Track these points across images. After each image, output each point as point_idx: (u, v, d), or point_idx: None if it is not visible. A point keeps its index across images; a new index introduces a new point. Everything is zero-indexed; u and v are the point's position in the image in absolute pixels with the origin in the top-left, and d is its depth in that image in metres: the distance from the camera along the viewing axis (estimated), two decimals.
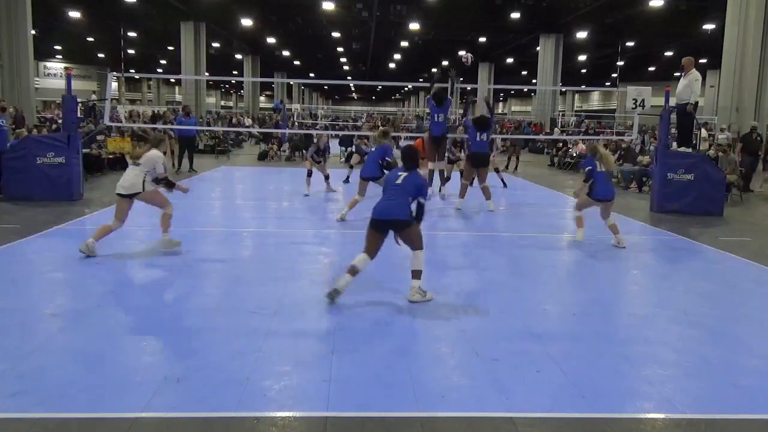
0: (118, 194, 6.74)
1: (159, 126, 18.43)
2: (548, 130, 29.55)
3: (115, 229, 6.73)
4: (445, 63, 44.34)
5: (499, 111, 75.43)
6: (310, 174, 11.63)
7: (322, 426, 3.20)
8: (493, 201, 10.34)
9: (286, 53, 42.51)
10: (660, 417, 3.40)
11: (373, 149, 9.73)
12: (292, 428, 3.23)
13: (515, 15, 26.33)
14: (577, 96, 64.56)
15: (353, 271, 5.24)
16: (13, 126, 14.21)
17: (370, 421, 3.26)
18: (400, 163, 5.93)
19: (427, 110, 11.87)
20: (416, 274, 5.32)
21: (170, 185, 7.03)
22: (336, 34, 33.69)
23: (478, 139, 10.20)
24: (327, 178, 11.96)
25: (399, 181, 5.28)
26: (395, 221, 5.26)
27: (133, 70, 46.91)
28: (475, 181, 10.38)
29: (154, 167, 6.80)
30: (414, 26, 29.16)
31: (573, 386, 3.72)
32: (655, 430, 3.31)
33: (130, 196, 6.74)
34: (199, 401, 3.40)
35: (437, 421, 3.30)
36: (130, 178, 6.75)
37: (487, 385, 3.70)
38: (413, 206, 5.27)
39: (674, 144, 12.55)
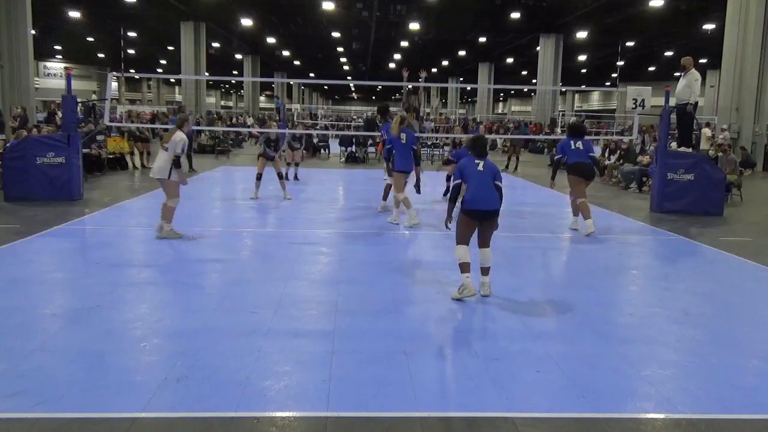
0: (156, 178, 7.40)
1: (157, 126, 18.43)
2: (548, 130, 29.54)
3: (175, 206, 7.45)
4: (445, 63, 44.43)
5: (499, 111, 75.52)
6: (259, 177, 11.11)
7: (322, 426, 3.20)
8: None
9: (286, 53, 42.52)
10: (660, 417, 3.40)
11: (403, 138, 8.86)
12: (292, 428, 3.23)
13: (515, 15, 26.33)
14: (577, 96, 64.58)
15: (468, 267, 5.32)
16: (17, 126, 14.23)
17: (370, 421, 3.26)
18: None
19: (427, 110, 11.76)
20: (487, 271, 5.51)
21: (178, 164, 7.39)
22: (336, 34, 33.69)
23: (572, 148, 8.96)
24: (281, 176, 11.36)
25: (481, 168, 5.39)
26: (495, 211, 5.41)
27: (133, 70, 46.92)
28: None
29: (177, 147, 7.28)
30: (414, 26, 29.16)
31: (573, 386, 3.72)
32: (655, 430, 3.30)
33: (159, 180, 7.34)
34: (199, 401, 3.40)
35: (437, 421, 3.30)
36: (159, 163, 7.35)
37: (487, 385, 3.70)
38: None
39: (673, 144, 12.56)
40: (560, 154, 8.99)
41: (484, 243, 5.47)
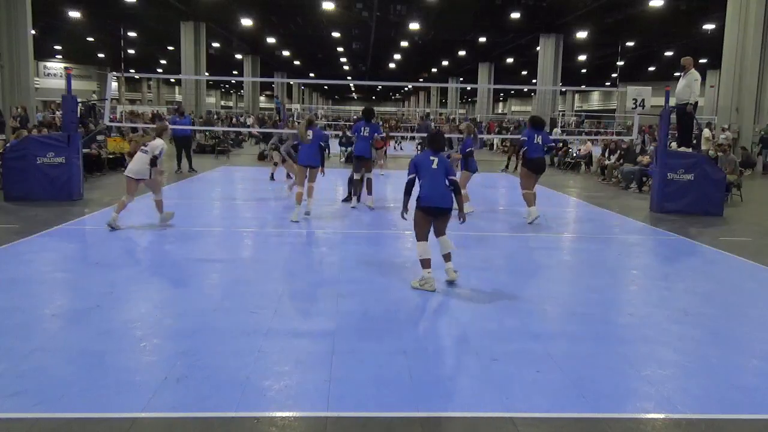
0: (127, 176, 7.85)
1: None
2: (548, 130, 29.52)
3: (128, 203, 7.95)
4: (445, 63, 44.42)
5: (500, 111, 75.56)
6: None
7: (322, 426, 3.20)
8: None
9: (286, 53, 42.54)
10: (660, 417, 3.40)
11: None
12: (292, 428, 3.23)
13: (515, 15, 26.34)
14: (577, 96, 64.61)
15: (429, 263, 5.56)
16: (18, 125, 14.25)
17: (370, 421, 3.26)
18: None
19: (427, 110, 11.84)
20: (449, 257, 5.76)
21: (154, 163, 7.90)
22: (336, 34, 33.70)
23: (534, 142, 9.41)
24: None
25: (435, 166, 5.58)
26: (448, 209, 5.63)
27: (133, 70, 46.93)
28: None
29: (156, 153, 7.83)
30: (414, 26, 29.18)
31: (573, 386, 3.72)
32: (655, 430, 3.30)
33: (138, 180, 7.83)
34: (199, 401, 3.40)
35: (437, 421, 3.30)
36: (138, 166, 7.80)
37: (487, 385, 3.70)
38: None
39: (673, 144, 12.56)
40: (526, 147, 9.34)
41: (440, 233, 5.74)
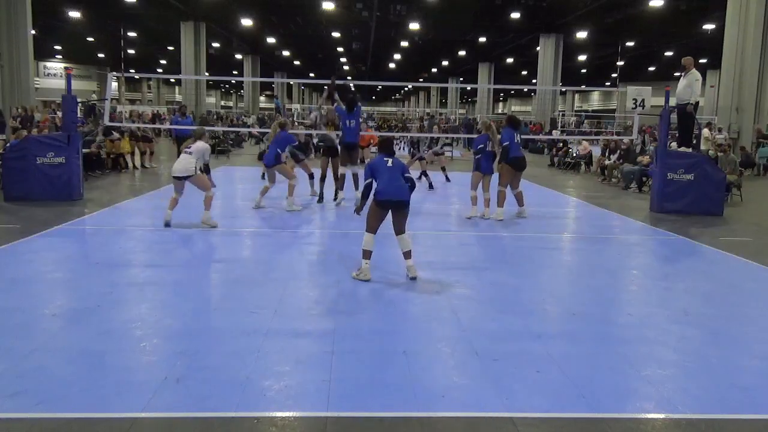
0: (174, 177, 8.19)
1: (158, 126, 18.44)
2: (548, 130, 29.54)
3: (178, 199, 8.30)
4: (445, 63, 44.42)
5: (500, 111, 75.52)
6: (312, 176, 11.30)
7: (322, 426, 3.20)
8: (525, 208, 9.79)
9: (286, 53, 42.54)
10: (660, 417, 3.40)
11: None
12: (292, 428, 3.23)
13: (515, 15, 26.34)
14: (577, 96, 64.59)
15: (370, 255, 5.82)
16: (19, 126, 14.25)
17: (370, 421, 3.26)
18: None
19: (427, 110, 11.81)
20: (409, 254, 5.96)
21: (208, 170, 8.51)
22: (336, 34, 33.70)
23: (515, 140, 9.47)
24: (311, 176, 11.43)
25: (390, 164, 5.90)
26: (405, 202, 5.88)
27: (133, 70, 46.93)
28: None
29: (203, 155, 8.33)
30: (414, 26, 29.18)
31: (573, 386, 3.71)
32: (655, 430, 3.30)
33: (184, 178, 8.11)
34: (199, 401, 3.40)
35: (437, 421, 3.30)
36: (184, 164, 8.12)
37: (487, 385, 3.70)
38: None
39: (673, 144, 12.56)
40: (507, 142, 9.34)
41: (399, 231, 5.93)
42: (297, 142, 10.96)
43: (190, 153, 8.24)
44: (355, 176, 10.33)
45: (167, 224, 8.14)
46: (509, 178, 9.53)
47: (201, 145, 8.37)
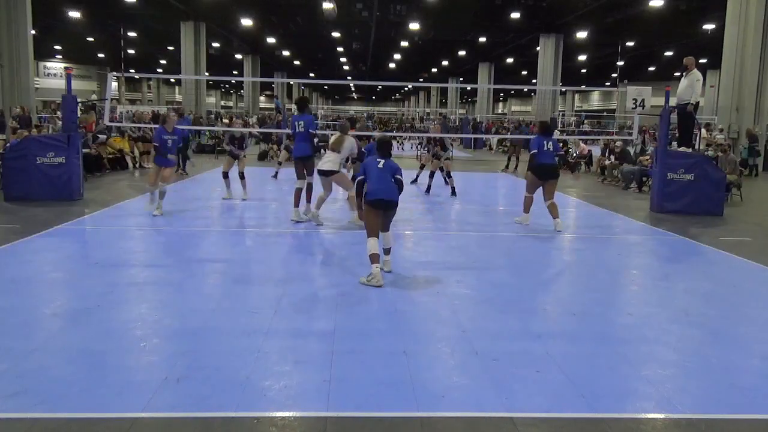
0: (320, 171, 8.37)
1: (157, 126, 18.40)
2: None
3: (326, 198, 8.69)
4: (445, 63, 44.41)
5: (500, 111, 75.54)
6: (226, 175, 11.08)
7: (322, 426, 3.20)
8: (560, 220, 8.96)
9: (286, 53, 42.53)
10: (660, 417, 3.40)
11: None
12: (292, 428, 3.23)
13: (515, 15, 26.34)
14: (577, 96, 64.60)
15: (378, 258, 5.82)
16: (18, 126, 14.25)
17: (370, 421, 3.25)
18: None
19: (427, 110, 11.69)
20: (388, 251, 6.23)
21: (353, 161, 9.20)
22: (336, 34, 33.69)
23: (545, 148, 8.93)
24: (242, 176, 11.24)
25: (381, 166, 6.01)
26: (394, 202, 6.02)
27: (133, 70, 46.93)
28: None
29: (352, 149, 8.54)
30: (414, 26, 29.17)
31: (573, 386, 3.71)
32: (655, 430, 3.30)
33: (328, 174, 8.31)
34: (199, 401, 3.40)
35: (437, 421, 3.30)
36: (330, 162, 8.34)
37: (487, 385, 3.70)
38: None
39: (674, 144, 12.56)
40: (535, 150, 8.98)
41: (384, 228, 6.12)
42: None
43: (338, 152, 8.40)
44: (309, 187, 8.86)
45: (319, 223, 8.60)
46: (531, 185, 9.12)
47: (349, 142, 8.47)
